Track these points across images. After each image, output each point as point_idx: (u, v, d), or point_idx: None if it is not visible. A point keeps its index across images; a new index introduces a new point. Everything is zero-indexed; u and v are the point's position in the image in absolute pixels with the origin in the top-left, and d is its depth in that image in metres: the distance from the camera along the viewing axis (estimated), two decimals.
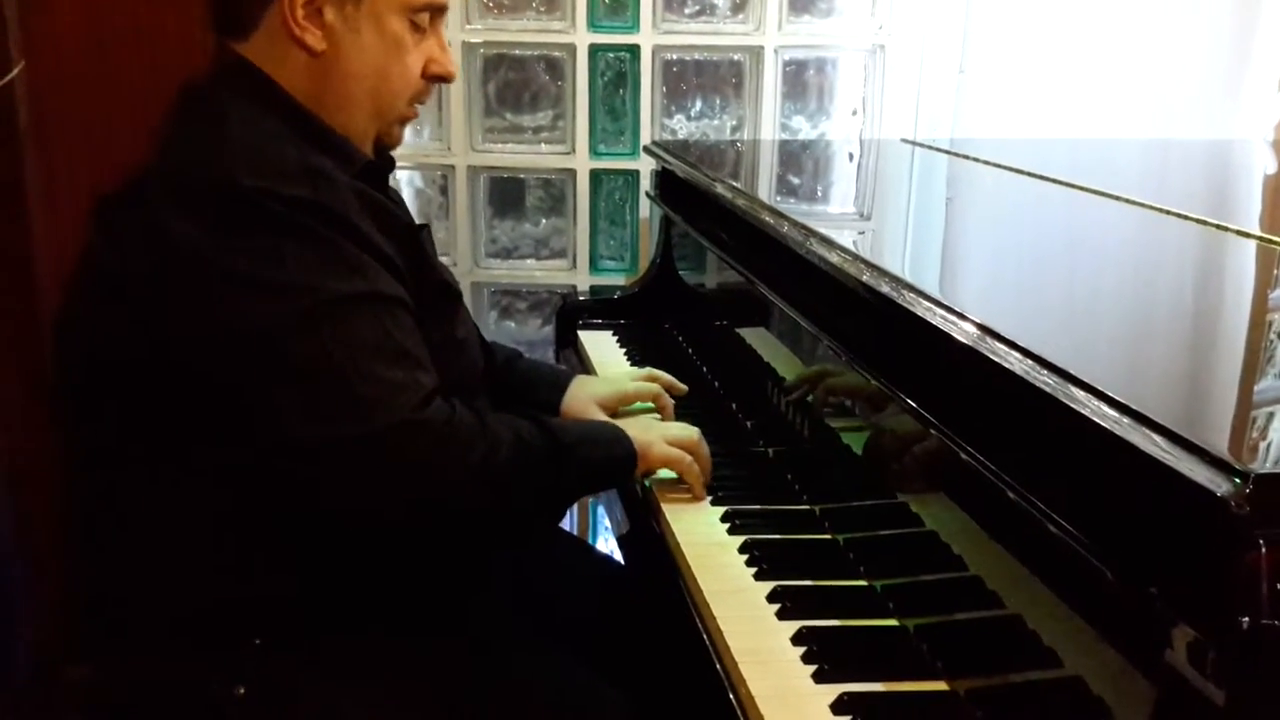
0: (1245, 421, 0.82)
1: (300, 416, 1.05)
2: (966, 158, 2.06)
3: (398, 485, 1.08)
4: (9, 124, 1.89)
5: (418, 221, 1.31)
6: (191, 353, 1.06)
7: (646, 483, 1.35)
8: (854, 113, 2.44)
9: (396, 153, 1.33)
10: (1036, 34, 2.36)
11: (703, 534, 1.25)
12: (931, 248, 1.53)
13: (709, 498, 1.32)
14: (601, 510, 2.31)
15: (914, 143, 2.28)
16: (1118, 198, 1.62)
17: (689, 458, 1.30)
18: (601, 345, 1.98)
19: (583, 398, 1.46)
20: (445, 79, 1.27)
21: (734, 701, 0.98)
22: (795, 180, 2.01)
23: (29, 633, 1.95)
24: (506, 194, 2.47)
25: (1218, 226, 1.43)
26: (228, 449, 1.09)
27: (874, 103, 2.40)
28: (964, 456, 0.93)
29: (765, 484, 1.38)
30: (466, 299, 2.42)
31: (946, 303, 1.03)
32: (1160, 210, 1.53)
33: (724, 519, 1.27)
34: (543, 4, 2.35)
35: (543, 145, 2.42)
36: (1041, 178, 1.80)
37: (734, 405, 1.64)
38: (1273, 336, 1.05)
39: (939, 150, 2.19)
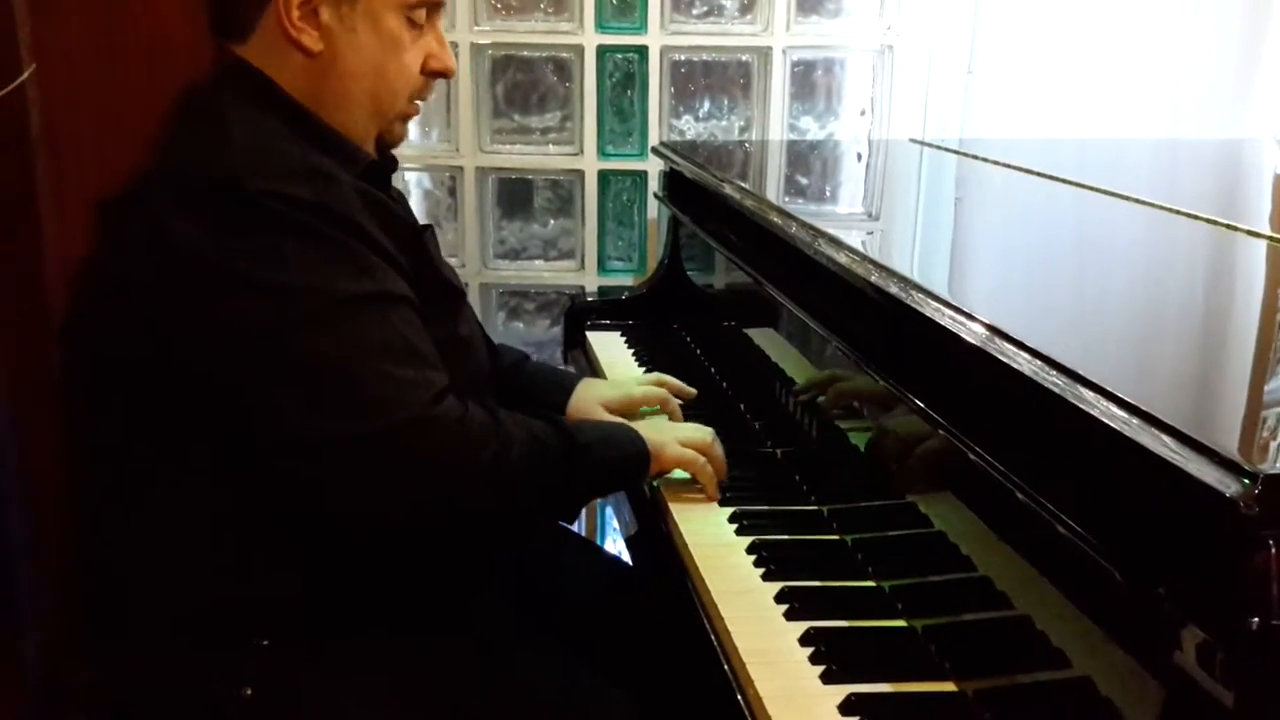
0: (1255, 422, 0.82)
1: (312, 415, 1.05)
2: (975, 158, 2.06)
3: (411, 482, 1.08)
4: (20, 128, 1.90)
5: (424, 223, 1.31)
6: (198, 354, 1.06)
7: (654, 484, 1.35)
8: (862, 113, 2.43)
9: (405, 154, 1.33)
10: (1045, 34, 2.36)
11: (711, 534, 1.25)
12: (940, 248, 1.53)
13: (717, 498, 1.32)
14: (610, 511, 2.31)
15: (922, 143, 2.28)
16: (1127, 198, 1.61)
17: (702, 459, 1.30)
18: (609, 346, 1.98)
19: (589, 400, 1.47)
20: (445, 74, 1.27)
21: (742, 702, 0.98)
22: (803, 181, 2.01)
23: (38, 635, 1.96)
24: (514, 195, 2.47)
25: (1227, 226, 1.43)
26: (234, 449, 1.09)
27: (882, 103, 2.40)
28: (972, 457, 0.93)
29: (773, 484, 1.38)
30: (475, 300, 2.43)
31: (955, 303, 1.02)
32: (1170, 210, 1.53)
33: (732, 519, 1.27)
34: (551, 5, 2.36)
35: (551, 146, 2.43)
36: (1050, 178, 1.79)
37: (742, 405, 1.64)
38: None
39: (947, 150, 2.19)
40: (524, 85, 2.40)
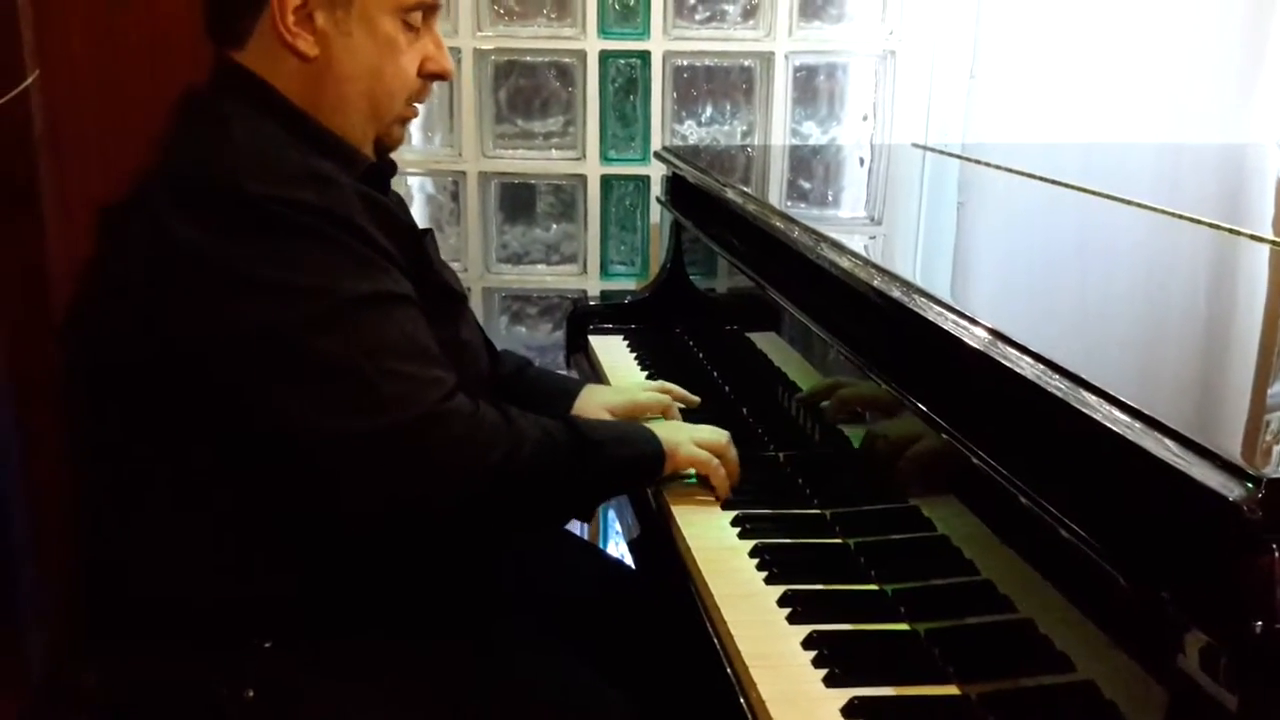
0: (1258, 426, 0.82)
1: (322, 414, 1.05)
2: (978, 162, 2.06)
3: (424, 476, 1.09)
4: (23, 132, 1.90)
5: (425, 227, 1.31)
6: (204, 355, 1.06)
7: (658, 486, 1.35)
8: (865, 118, 2.43)
9: (407, 158, 1.34)
10: (1047, 39, 2.36)
11: (713, 538, 1.25)
12: (943, 252, 1.53)
13: (728, 496, 1.31)
14: (612, 514, 2.31)
15: (925, 147, 2.28)
16: (1129, 202, 1.61)
17: (715, 460, 1.31)
18: (612, 350, 1.98)
19: (593, 406, 1.47)
20: (442, 77, 1.27)
21: (744, 705, 0.98)
22: (806, 185, 2.01)
23: (40, 635, 1.96)
24: (517, 200, 2.48)
25: (1230, 231, 1.43)
26: (237, 450, 1.09)
27: (885, 108, 2.40)
28: (975, 460, 0.93)
29: (776, 488, 1.38)
30: (477, 304, 2.44)
31: (958, 307, 1.02)
32: (1172, 215, 1.53)
33: (735, 523, 1.27)
34: (553, 11, 2.36)
35: (553, 151, 2.43)
36: (1053, 182, 1.79)
37: (744, 409, 1.64)
38: None
39: (950, 155, 2.19)
40: (527, 90, 2.41)
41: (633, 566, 1.56)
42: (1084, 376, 0.82)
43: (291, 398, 1.05)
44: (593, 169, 2.41)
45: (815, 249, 1.33)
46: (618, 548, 2.30)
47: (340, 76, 1.19)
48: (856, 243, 1.36)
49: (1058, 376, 0.84)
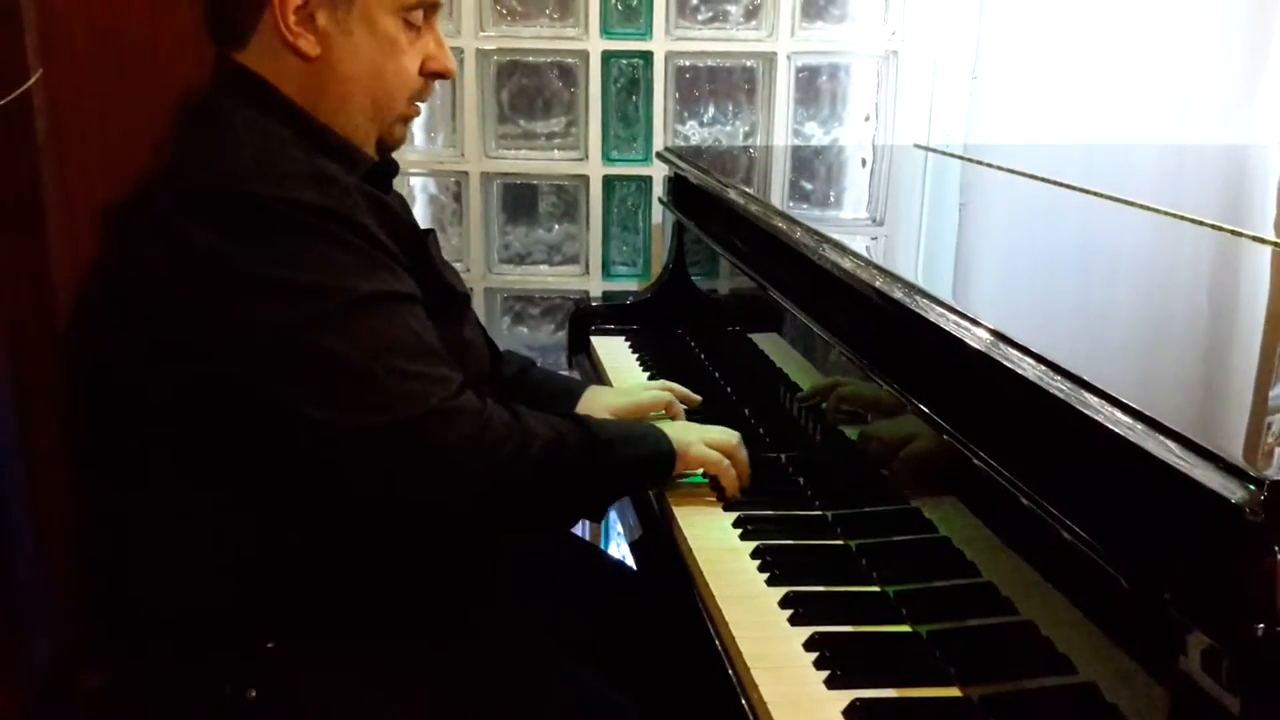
0: (1260, 428, 0.82)
1: (333, 411, 1.06)
2: (980, 163, 2.06)
3: (434, 472, 1.10)
4: (26, 132, 1.90)
5: (427, 227, 1.32)
6: (212, 356, 1.06)
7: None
8: (867, 118, 2.43)
9: (410, 158, 1.34)
10: (1049, 39, 2.36)
11: (715, 539, 1.25)
12: (945, 253, 1.53)
13: (721, 504, 1.31)
14: (614, 515, 2.31)
15: (927, 148, 2.28)
16: (1132, 203, 1.61)
17: (726, 460, 1.30)
18: (614, 351, 1.98)
19: (596, 407, 1.47)
20: (444, 75, 1.27)
21: (746, 707, 0.98)
22: (808, 186, 2.01)
23: (44, 637, 1.96)
24: (519, 200, 2.48)
25: (1233, 232, 1.42)
26: (241, 451, 1.09)
27: (887, 108, 2.40)
28: (976, 462, 0.93)
29: (778, 489, 1.38)
30: (479, 305, 2.44)
31: (959, 308, 1.02)
32: (1175, 216, 1.52)
33: (736, 524, 1.27)
34: (556, 11, 2.36)
35: (555, 151, 2.43)
36: (1055, 183, 1.79)
37: (746, 410, 1.64)
38: None
39: (952, 156, 2.19)
40: (529, 91, 2.41)
41: (634, 568, 1.56)
42: (1086, 378, 0.82)
43: (300, 397, 1.05)
44: (595, 169, 2.41)
45: (817, 250, 1.33)
46: (619, 549, 2.30)
47: (342, 76, 1.19)
48: (858, 243, 1.36)
49: (1059, 378, 0.84)
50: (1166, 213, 1.54)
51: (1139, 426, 0.75)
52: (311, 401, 1.05)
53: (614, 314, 2.13)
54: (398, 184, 1.35)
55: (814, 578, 1.15)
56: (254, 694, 1.09)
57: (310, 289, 1.06)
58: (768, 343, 1.62)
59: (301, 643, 1.12)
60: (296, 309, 1.05)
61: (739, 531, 1.25)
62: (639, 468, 1.28)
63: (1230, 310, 1.21)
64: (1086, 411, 0.79)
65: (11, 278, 1.90)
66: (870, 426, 1.24)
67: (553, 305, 2.53)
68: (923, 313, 1.06)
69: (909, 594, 1.10)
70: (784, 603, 1.10)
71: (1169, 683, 0.69)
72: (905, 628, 1.07)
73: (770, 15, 2.34)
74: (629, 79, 2.38)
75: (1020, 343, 0.91)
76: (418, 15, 1.22)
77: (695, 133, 2.44)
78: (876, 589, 1.14)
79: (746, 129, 2.44)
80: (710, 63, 2.40)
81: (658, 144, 2.36)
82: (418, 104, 1.27)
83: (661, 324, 2.09)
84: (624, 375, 1.85)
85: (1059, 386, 0.83)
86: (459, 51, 2.29)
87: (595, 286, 2.46)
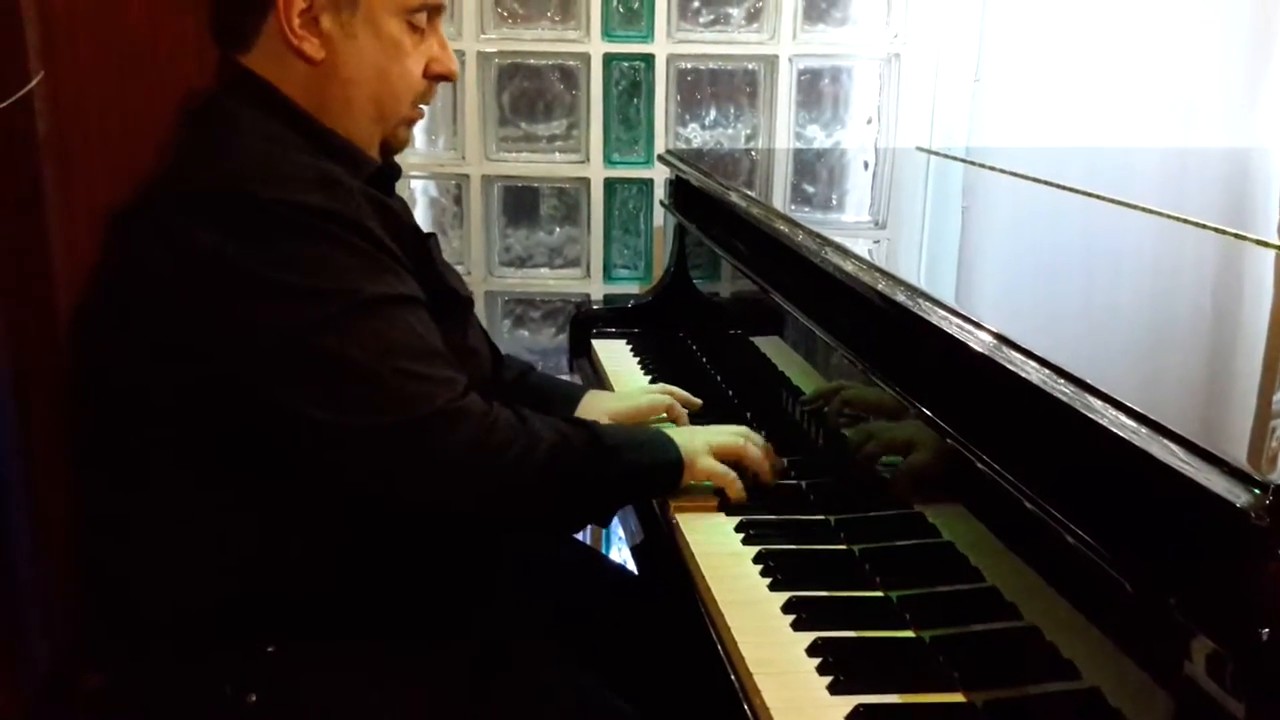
0: (1264, 431, 0.81)
1: (337, 414, 1.05)
2: (982, 166, 2.06)
3: (437, 475, 1.10)
4: (28, 134, 1.90)
5: (428, 230, 1.31)
6: (217, 358, 1.06)
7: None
8: (869, 121, 2.43)
9: (411, 161, 1.34)
10: (1052, 42, 2.36)
11: (717, 544, 1.24)
12: (947, 256, 1.53)
13: (722, 510, 1.31)
14: (615, 519, 2.30)
15: (929, 151, 2.28)
16: (1135, 206, 1.61)
17: (733, 474, 1.30)
18: (615, 354, 1.98)
19: (596, 412, 1.46)
20: (447, 78, 1.27)
21: (748, 712, 0.98)
22: (810, 189, 2.01)
23: (45, 639, 1.96)
24: (520, 203, 2.48)
25: (1236, 235, 1.42)
26: (244, 453, 1.09)
27: (889, 111, 2.40)
28: (980, 466, 0.92)
29: (780, 493, 1.37)
30: (480, 308, 2.43)
31: (962, 311, 1.02)
32: (1178, 219, 1.52)
33: (739, 529, 1.27)
34: (557, 13, 2.36)
35: (557, 154, 2.43)
36: (1058, 186, 1.79)
37: (748, 414, 1.63)
38: None
39: (954, 159, 2.18)
40: (530, 93, 2.41)
41: (635, 572, 1.56)
42: (1090, 381, 0.82)
43: (305, 398, 1.05)
44: (596, 172, 2.41)
45: (819, 253, 1.33)
46: (620, 553, 2.29)
47: (346, 79, 1.19)
48: (861, 246, 1.36)
49: (1063, 381, 0.84)
50: (1169, 216, 1.54)
51: (1143, 430, 0.74)
52: (316, 403, 1.05)
53: (615, 317, 2.13)
54: (398, 187, 1.35)
55: (817, 583, 1.15)
56: (254, 696, 1.09)
57: (315, 291, 1.06)
58: (769, 346, 1.61)
59: (302, 644, 1.11)
60: (301, 311, 1.05)
61: (741, 536, 1.25)
62: (645, 475, 1.27)
63: (1234, 314, 1.21)
64: (1090, 415, 0.79)
65: (12, 278, 1.90)
66: (872, 430, 1.23)
67: (554, 308, 2.53)
68: (925, 316, 1.05)
69: (912, 599, 1.10)
70: (786, 608, 1.10)
71: (1173, 687, 0.69)
72: (909, 633, 1.07)
73: (772, 18, 2.34)
74: (630, 81, 2.38)
75: (1024, 346, 0.91)
76: (421, 18, 1.22)
77: (697, 135, 2.44)
78: (880, 594, 1.14)
79: (748, 132, 2.44)
80: (712, 65, 2.40)
81: (659, 147, 2.36)
82: (421, 107, 1.27)
83: (663, 327, 2.09)
84: (625, 378, 1.84)
85: (1062, 390, 0.83)
86: (460, 54, 2.29)
87: (596, 289, 2.46)
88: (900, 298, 1.12)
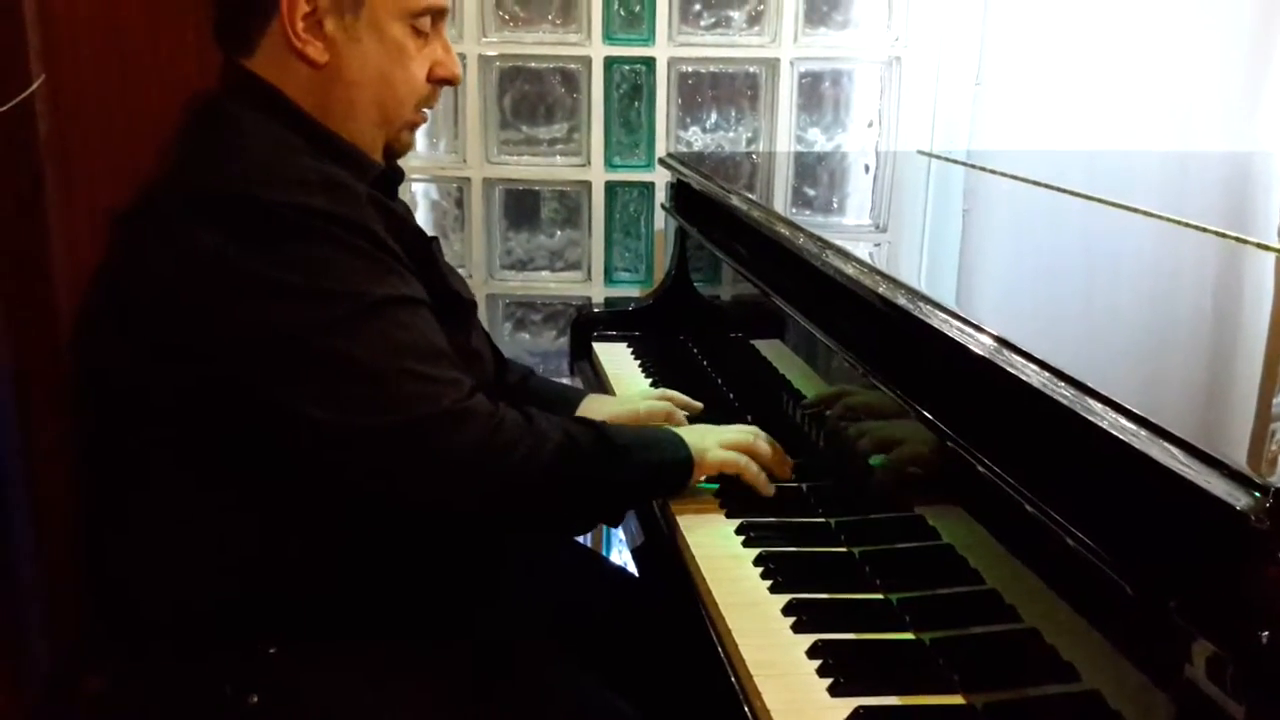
0: (1264, 435, 0.81)
1: (344, 415, 1.06)
2: (983, 170, 2.06)
3: (444, 475, 1.10)
4: (29, 136, 1.90)
5: (430, 234, 1.32)
6: (223, 360, 1.06)
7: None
8: (870, 125, 2.44)
9: (412, 165, 1.34)
10: (1053, 46, 2.36)
11: (718, 546, 1.24)
12: (948, 260, 1.53)
13: (723, 511, 1.31)
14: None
15: (930, 155, 2.28)
16: (1135, 210, 1.61)
17: (745, 459, 1.30)
18: (616, 357, 1.98)
19: (595, 416, 1.46)
20: (451, 82, 1.27)
21: (749, 714, 0.98)
22: (811, 192, 2.01)
23: (45, 640, 1.96)
24: (521, 206, 2.48)
25: (1236, 239, 1.42)
26: (247, 454, 1.09)
27: (890, 115, 2.40)
28: (980, 469, 0.92)
29: (780, 496, 1.37)
30: (481, 311, 2.43)
31: (963, 315, 1.02)
32: (1178, 222, 1.52)
33: (739, 531, 1.27)
34: (558, 17, 2.36)
35: (558, 157, 2.43)
36: (1059, 190, 1.79)
37: (749, 417, 1.63)
38: None
39: (955, 162, 2.19)
40: (531, 96, 2.41)
41: (636, 574, 1.56)
42: (1090, 384, 0.82)
43: (311, 399, 1.05)
44: (597, 175, 2.41)
45: (820, 256, 1.33)
46: (621, 555, 2.29)
47: (350, 83, 1.19)
48: (862, 250, 1.36)
49: (1063, 384, 0.84)
50: (1170, 219, 1.54)
51: (1143, 433, 0.74)
52: (322, 404, 1.05)
53: (616, 320, 2.13)
54: (400, 191, 1.35)
55: (817, 585, 1.15)
56: (255, 697, 1.09)
57: (320, 293, 1.06)
58: (770, 349, 1.61)
59: (303, 645, 1.11)
60: (307, 313, 1.05)
61: (742, 538, 1.25)
62: (655, 473, 1.27)
63: (1234, 317, 1.21)
64: (1090, 418, 0.79)
65: (14, 280, 1.90)
66: (873, 433, 1.23)
67: (555, 311, 2.53)
68: (926, 319, 1.06)
69: (912, 601, 1.10)
70: (787, 610, 1.10)
71: (1173, 690, 0.69)
72: (909, 635, 1.07)
73: (773, 21, 2.35)
74: (631, 85, 2.38)
75: (1024, 349, 0.91)
76: (425, 22, 1.22)
77: (698, 138, 2.44)
78: (880, 596, 1.14)
79: (749, 135, 2.44)
80: (713, 68, 2.40)
81: (660, 150, 2.36)
82: (424, 110, 1.27)
83: (664, 330, 2.09)
84: (626, 381, 1.84)
85: (1063, 393, 0.83)
86: (461, 57, 2.27)
87: (597, 292, 2.46)
88: (901, 301, 1.12)
